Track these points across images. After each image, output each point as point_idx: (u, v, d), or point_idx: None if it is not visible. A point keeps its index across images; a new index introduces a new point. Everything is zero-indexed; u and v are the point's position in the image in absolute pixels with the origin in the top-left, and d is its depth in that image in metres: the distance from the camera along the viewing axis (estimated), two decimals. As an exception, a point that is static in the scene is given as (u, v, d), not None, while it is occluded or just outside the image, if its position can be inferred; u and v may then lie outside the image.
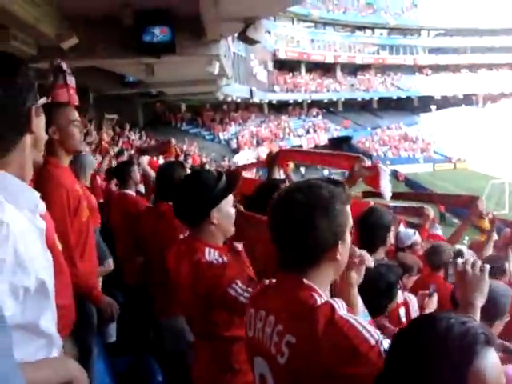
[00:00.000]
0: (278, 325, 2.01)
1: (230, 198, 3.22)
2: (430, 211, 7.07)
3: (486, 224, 6.40)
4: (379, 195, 5.05)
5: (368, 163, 4.84)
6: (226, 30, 11.95)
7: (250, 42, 11.64)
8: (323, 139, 60.00)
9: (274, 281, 2.22)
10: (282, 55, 67.71)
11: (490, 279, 3.36)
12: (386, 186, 4.78)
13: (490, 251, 6.47)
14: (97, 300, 3.74)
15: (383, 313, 3.47)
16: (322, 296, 2.00)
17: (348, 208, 2.11)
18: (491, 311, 3.03)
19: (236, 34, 11.95)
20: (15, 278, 1.50)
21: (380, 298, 3.32)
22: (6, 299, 1.47)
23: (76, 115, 3.79)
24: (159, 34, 10.75)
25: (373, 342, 1.83)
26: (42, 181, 3.38)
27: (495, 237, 6.56)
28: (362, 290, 2.42)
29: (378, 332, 1.91)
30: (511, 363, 3.10)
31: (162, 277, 4.21)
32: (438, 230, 7.18)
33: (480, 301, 2.37)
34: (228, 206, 3.18)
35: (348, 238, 2.11)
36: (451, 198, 8.19)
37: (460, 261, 2.45)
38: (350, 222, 2.13)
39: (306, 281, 2.03)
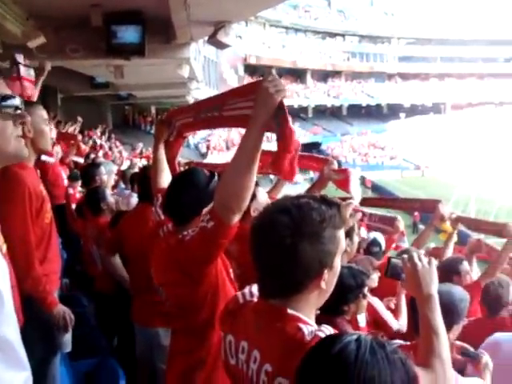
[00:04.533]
0: (264, 364, 1.86)
1: None
2: (401, 223, 7.15)
3: (448, 227, 6.48)
4: (348, 198, 5.04)
5: (337, 166, 4.91)
6: (196, 33, 11.90)
7: (221, 45, 11.63)
8: (293, 145, 60.07)
9: (252, 300, 2.12)
10: (252, 60, 67.86)
11: (447, 284, 3.40)
12: (356, 189, 4.85)
13: (450, 251, 6.56)
14: (50, 306, 3.61)
15: (341, 314, 3.48)
16: (308, 323, 1.87)
17: (341, 233, 1.93)
18: (449, 316, 3.02)
19: (206, 38, 11.92)
20: None
21: (334, 297, 3.30)
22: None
23: (46, 114, 3.75)
24: (129, 35, 10.65)
25: None
26: (5, 178, 3.33)
27: (455, 238, 6.65)
28: None
29: None
30: (469, 364, 3.14)
31: (143, 283, 4.22)
32: (405, 243, 7.27)
33: (435, 291, 2.30)
34: None
35: (338, 264, 1.96)
36: (415, 203, 8.27)
37: (406, 255, 2.38)
38: (342, 247, 1.95)
39: (289, 310, 1.88)
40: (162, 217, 3.46)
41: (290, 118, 2.37)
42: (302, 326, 1.83)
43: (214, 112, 3.10)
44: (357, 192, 4.85)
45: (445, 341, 2.25)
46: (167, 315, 3.31)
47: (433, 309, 2.27)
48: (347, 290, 3.43)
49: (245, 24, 65.83)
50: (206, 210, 2.86)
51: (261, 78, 2.43)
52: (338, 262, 1.96)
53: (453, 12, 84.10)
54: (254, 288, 2.15)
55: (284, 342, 1.81)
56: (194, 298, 3.00)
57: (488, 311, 4.42)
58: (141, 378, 4.73)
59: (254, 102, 2.41)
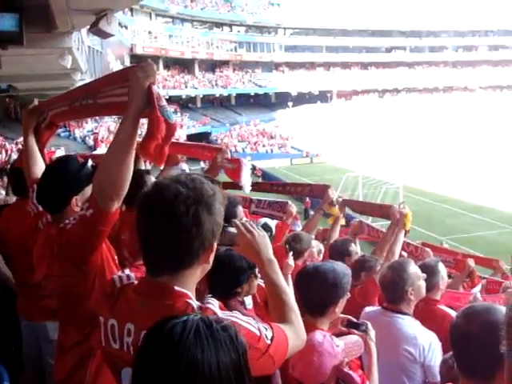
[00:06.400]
0: None
1: None
2: (293, 208, 7.19)
3: (337, 211, 6.60)
4: (239, 187, 5.12)
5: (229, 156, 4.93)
6: (77, 22, 11.47)
7: (103, 35, 11.26)
8: (182, 135, 59.82)
9: (131, 283, 2.09)
10: (139, 50, 66.78)
11: (330, 261, 3.64)
12: (247, 180, 4.92)
13: (336, 233, 6.71)
14: None
15: (234, 296, 3.45)
16: (194, 299, 1.92)
17: (222, 209, 1.98)
18: (335, 291, 3.17)
19: (88, 27, 11.54)
20: None
21: (226, 280, 3.33)
22: None
23: None
24: (4, 23, 10.13)
25: (258, 332, 1.93)
26: None
27: (342, 221, 6.80)
28: (210, 272, 2.30)
29: (253, 319, 2.01)
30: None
31: (27, 278, 4.13)
32: (299, 227, 7.34)
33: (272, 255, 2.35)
34: None
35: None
36: (305, 188, 8.34)
37: (238, 222, 2.39)
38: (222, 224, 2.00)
39: (177, 287, 1.91)
40: (40, 208, 3.37)
41: (163, 106, 2.36)
42: (190, 301, 1.90)
43: (88, 100, 2.97)
44: (247, 182, 4.92)
45: (292, 296, 2.38)
46: (54, 308, 3.25)
47: (277, 271, 2.31)
48: (240, 272, 3.41)
49: (130, 14, 64.81)
50: (79, 197, 2.98)
51: (133, 64, 2.38)
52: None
53: (336, 3, 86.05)
54: (132, 272, 2.18)
55: None
56: (81, 288, 2.94)
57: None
58: (29, 375, 4.58)
59: (129, 89, 2.41)
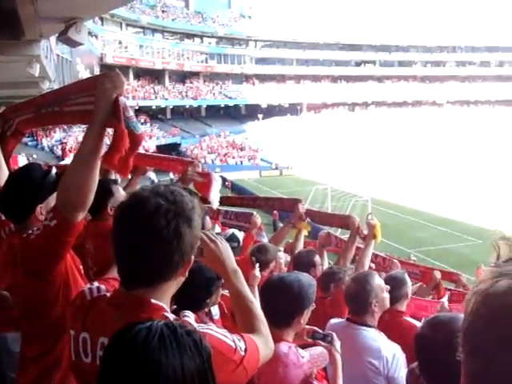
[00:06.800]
0: None
1: None
2: (258, 219, 7.19)
3: (306, 225, 6.60)
4: (207, 202, 5.04)
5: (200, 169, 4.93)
6: (46, 29, 11.35)
7: (72, 43, 11.15)
8: (151, 146, 59.56)
9: (102, 295, 2.06)
10: (109, 60, 66.45)
11: (295, 272, 3.63)
12: (216, 195, 4.93)
13: (301, 243, 6.69)
14: None
15: (202, 308, 3.45)
16: (169, 312, 1.91)
17: (200, 222, 1.97)
18: (300, 302, 3.16)
19: (57, 35, 11.43)
20: None
21: (197, 292, 3.30)
22: None
23: None
24: (-30, 29, 10.01)
25: (233, 344, 1.94)
26: None
27: (306, 231, 6.80)
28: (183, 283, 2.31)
29: (227, 331, 2.02)
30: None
31: None
32: (264, 238, 7.31)
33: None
34: None
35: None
36: (275, 202, 8.36)
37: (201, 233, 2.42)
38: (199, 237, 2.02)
39: (153, 300, 1.89)
40: (3, 217, 3.31)
41: (129, 117, 2.34)
42: (167, 314, 1.87)
43: (54, 107, 2.93)
44: (215, 198, 4.93)
45: (258, 305, 2.38)
46: (15, 320, 3.17)
47: (242, 281, 2.33)
48: (210, 283, 3.41)
49: (101, 23, 64.51)
50: (43, 205, 2.91)
51: (101, 73, 2.35)
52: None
53: (307, 16, 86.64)
54: (101, 284, 2.15)
55: None
56: (45, 298, 2.88)
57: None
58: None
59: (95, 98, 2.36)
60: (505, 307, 0.97)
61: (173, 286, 1.97)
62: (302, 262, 5.56)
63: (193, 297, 3.21)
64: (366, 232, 5.99)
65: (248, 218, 7.26)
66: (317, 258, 5.79)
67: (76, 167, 2.42)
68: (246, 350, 1.99)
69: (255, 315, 2.29)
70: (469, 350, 1.03)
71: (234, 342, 1.96)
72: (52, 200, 2.91)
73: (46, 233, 2.63)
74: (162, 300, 1.92)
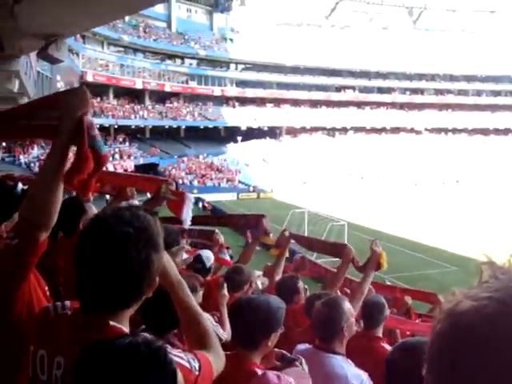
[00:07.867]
0: None
1: None
2: (220, 236, 7.23)
3: (272, 240, 6.61)
4: (178, 222, 5.03)
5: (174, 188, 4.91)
6: (26, 45, 11.30)
7: (52, 60, 11.09)
8: (129, 166, 59.39)
9: (65, 313, 2.01)
10: (89, 78, 66.23)
11: (264, 294, 3.64)
12: (188, 214, 4.91)
13: (281, 268, 6.65)
14: None
15: (175, 328, 3.37)
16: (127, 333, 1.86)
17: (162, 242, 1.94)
18: (269, 324, 3.10)
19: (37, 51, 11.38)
20: None
21: (170, 313, 3.21)
22: None
23: None
24: None
25: (188, 365, 1.90)
26: None
27: (286, 254, 6.79)
28: (153, 305, 2.31)
29: (182, 352, 1.98)
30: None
31: None
32: (226, 255, 7.30)
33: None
34: None
35: None
36: (240, 219, 8.36)
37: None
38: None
39: (112, 323, 1.84)
40: None
41: (94, 136, 2.27)
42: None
43: (22, 120, 2.86)
44: (187, 217, 4.91)
45: (207, 317, 2.38)
46: None
47: (187, 292, 2.29)
48: None
49: (82, 41, 64.49)
50: (8, 223, 2.84)
51: (69, 88, 2.29)
52: None
53: (289, 41, 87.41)
54: (67, 301, 2.09)
55: None
56: (7, 321, 2.71)
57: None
58: None
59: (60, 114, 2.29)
60: (465, 327, 0.96)
61: (131, 310, 1.94)
62: (286, 289, 5.47)
63: (167, 318, 3.13)
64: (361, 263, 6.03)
65: (210, 236, 7.26)
66: (300, 284, 5.75)
67: (39, 185, 2.34)
68: (200, 368, 1.97)
69: (204, 328, 2.27)
70: (428, 365, 1.01)
71: (188, 362, 1.92)
72: (16, 217, 2.86)
73: (6, 252, 2.52)
74: (121, 322, 1.88)
